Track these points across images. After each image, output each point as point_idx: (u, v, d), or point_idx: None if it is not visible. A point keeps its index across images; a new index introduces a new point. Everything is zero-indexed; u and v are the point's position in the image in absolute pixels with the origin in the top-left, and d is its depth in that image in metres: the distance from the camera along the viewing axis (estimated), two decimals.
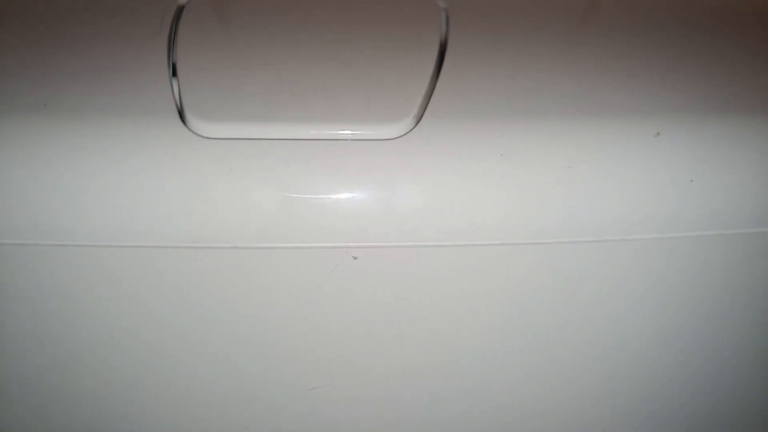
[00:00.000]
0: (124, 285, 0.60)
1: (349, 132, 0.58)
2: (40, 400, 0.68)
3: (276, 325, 0.63)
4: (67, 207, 0.56)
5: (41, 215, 0.56)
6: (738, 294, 0.64)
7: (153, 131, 0.57)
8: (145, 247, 0.58)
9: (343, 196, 0.57)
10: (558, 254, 0.60)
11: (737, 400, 0.73)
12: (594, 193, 0.58)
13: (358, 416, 0.70)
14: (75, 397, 0.68)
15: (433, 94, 0.61)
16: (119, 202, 0.56)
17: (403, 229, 0.58)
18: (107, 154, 0.57)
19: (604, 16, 0.70)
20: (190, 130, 0.57)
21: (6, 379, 0.66)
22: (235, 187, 0.57)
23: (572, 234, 0.59)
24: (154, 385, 0.67)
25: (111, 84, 0.60)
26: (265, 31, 0.66)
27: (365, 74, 0.62)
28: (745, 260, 0.62)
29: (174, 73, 0.61)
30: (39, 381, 0.67)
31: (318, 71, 0.62)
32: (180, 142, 0.57)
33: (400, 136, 0.58)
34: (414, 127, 0.58)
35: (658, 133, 0.59)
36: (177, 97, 0.59)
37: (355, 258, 0.59)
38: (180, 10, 0.68)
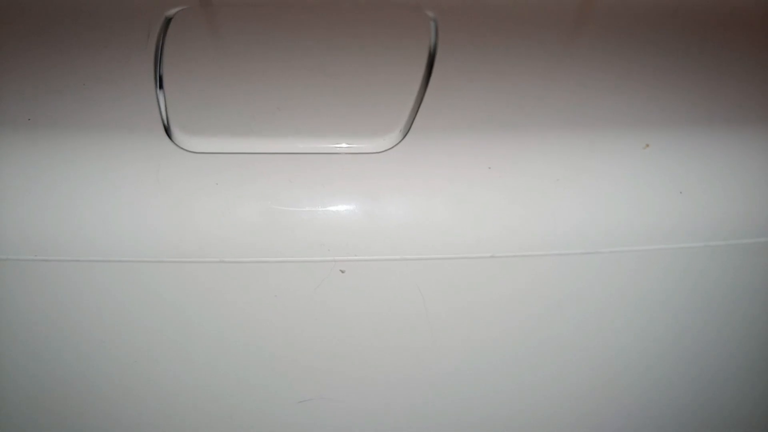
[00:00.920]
0: (109, 300, 0.60)
1: (336, 146, 0.58)
2: (27, 413, 0.68)
3: (263, 339, 0.63)
4: (51, 222, 0.56)
5: (24, 230, 0.56)
6: (728, 304, 0.64)
7: (138, 145, 0.57)
8: (131, 262, 0.58)
9: (330, 209, 0.57)
10: (547, 267, 0.60)
11: (726, 410, 0.73)
12: (583, 205, 0.58)
13: (348, 428, 0.69)
14: (59, 408, 0.67)
15: (421, 107, 0.60)
16: (104, 217, 0.56)
17: (391, 242, 0.58)
18: (92, 168, 0.56)
19: (593, 28, 0.70)
20: (175, 144, 0.57)
21: None
22: (221, 201, 0.56)
23: (561, 247, 0.59)
24: (140, 399, 0.67)
25: (96, 97, 0.60)
26: (253, 43, 0.65)
27: (352, 87, 0.61)
28: (735, 271, 0.62)
29: (160, 86, 0.61)
30: (24, 392, 0.66)
31: (305, 84, 0.61)
32: (165, 156, 0.57)
33: (387, 150, 0.58)
34: (401, 140, 0.58)
35: (648, 145, 0.59)
36: (163, 110, 0.59)
37: (342, 272, 0.59)
38: (167, 21, 0.67)
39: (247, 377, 0.65)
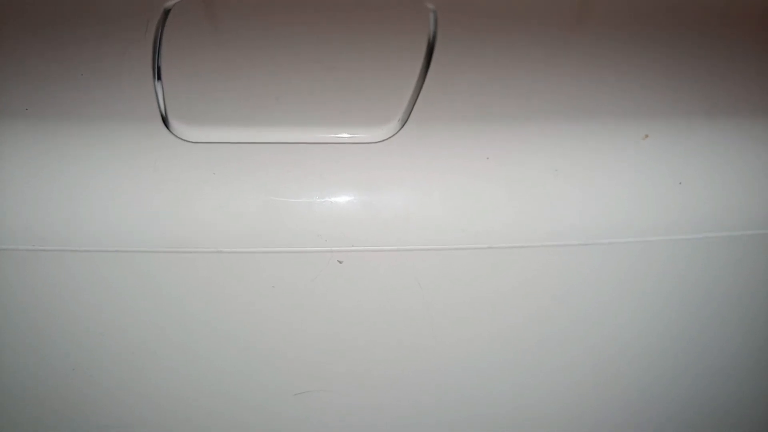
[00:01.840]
0: (106, 290, 0.60)
1: (334, 135, 0.57)
2: (25, 403, 0.68)
3: (261, 329, 0.63)
4: (48, 212, 0.56)
5: (21, 220, 0.56)
6: (728, 296, 0.64)
7: (136, 135, 0.57)
8: (128, 252, 0.58)
9: (328, 200, 0.57)
10: (545, 258, 0.60)
11: (727, 402, 0.73)
12: (582, 196, 0.58)
13: (345, 421, 0.69)
14: (56, 398, 0.67)
15: (419, 97, 0.60)
16: (101, 207, 0.56)
17: (389, 232, 0.58)
18: (89, 159, 0.56)
19: (593, 19, 0.70)
20: (173, 134, 0.57)
21: None
22: (218, 191, 0.56)
23: (559, 238, 0.59)
24: (136, 389, 0.67)
25: (94, 88, 0.60)
26: (251, 34, 0.65)
27: (351, 77, 0.61)
28: (735, 263, 0.62)
29: (159, 77, 0.61)
30: (22, 384, 0.66)
31: (303, 74, 0.61)
32: (163, 146, 0.57)
33: (385, 140, 0.58)
34: (399, 130, 0.58)
35: (647, 136, 0.58)
36: (161, 101, 0.59)
37: (340, 262, 0.59)
38: (166, 13, 0.67)
39: (244, 369, 0.65)
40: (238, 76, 0.61)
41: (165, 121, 0.58)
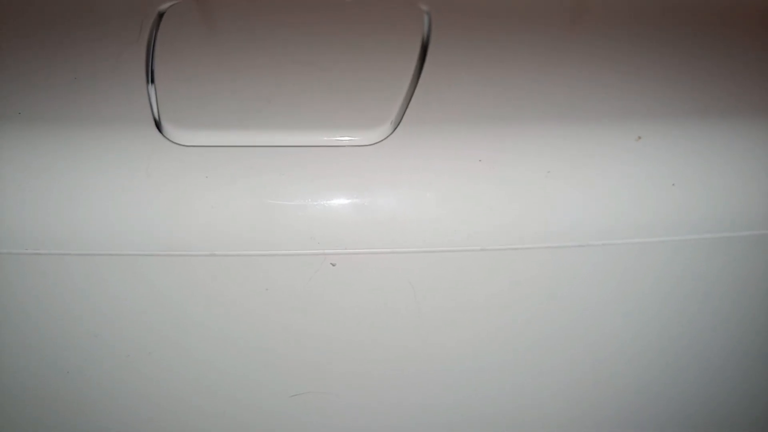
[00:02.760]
0: (99, 293, 0.60)
1: (326, 138, 0.57)
2: (24, 405, 0.68)
3: (255, 332, 0.63)
4: (40, 216, 0.56)
5: (14, 224, 0.56)
6: (721, 296, 0.64)
7: (129, 139, 0.57)
8: (120, 255, 0.58)
9: (321, 202, 0.57)
10: (538, 260, 0.60)
11: (724, 403, 0.73)
12: (575, 198, 0.58)
13: (340, 422, 0.69)
14: (57, 403, 0.68)
15: (412, 100, 0.60)
16: (94, 211, 0.56)
17: (381, 235, 0.58)
18: (82, 163, 0.56)
19: (586, 21, 0.70)
20: (165, 137, 0.57)
21: None
22: (212, 194, 0.56)
23: (552, 239, 0.59)
24: (132, 391, 0.67)
25: (87, 91, 0.60)
26: (244, 37, 0.66)
27: (344, 79, 0.61)
28: (728, 263, 0.62)
29: (152, 80, 0.61)
30: (21, 387, 0.67)
31: (296, 76, 0.61)
32: (156, 149, 0.57)
33: (378, 142, 0.58)
34: (392, 133, 0.58)
35: (640, 137, 0.58)
36: (154, 104, 0.59)
37: (333, 265, 0.59)
38: (160, 16, 0.67)
39: (239, 371, 0.65)
40: (231, 79, 0.61)
41: (158, 124, 0.58)
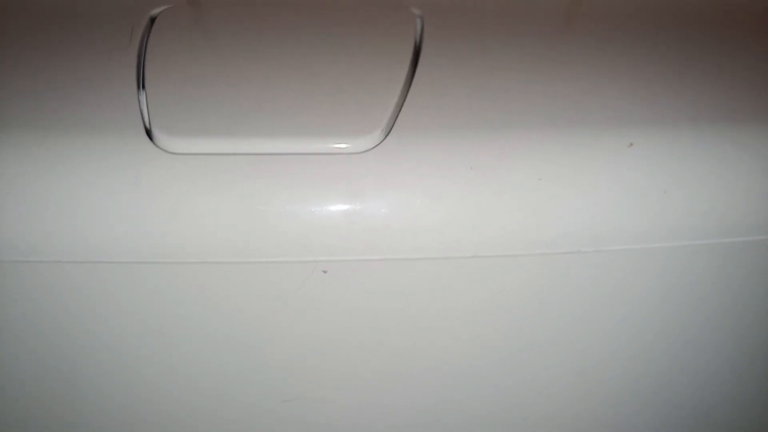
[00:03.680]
0: (89, 301, 0.60)
1: (318, 145, 0.57)
2: (22, 413, 0.68)
3: (245, 339, 0.63)
4: (30, 223, 0.56)
5: (4, 232, 0.56)
6: (714, 304, 0.64)
7: (119, 147, 0.57)
8: (111, 263, 0.58)
9: (311, 210, 0.57)
10: (530, 267, 0.60)
11: (719, 408, 0.73)
12: (566, 204, 0.58)
13: (332, 428, 0.69)
14: (52, 409, 0.68)
15: (404, 106, 0.60)
16: (84, 219, 0.56)
17: (373, 242, 0.58)
18: (71, 171, 0.56)
19: (579, 27, 0.69)
20: (156, 145, 0.57)
21: None
22: (203, 202, 0.56)
23: (544, 246, 0.59)
24: (125, 398, 0.67)
25: (77, 97, 0.60)
26: (235, 43, 0.65)
27: (335, 86, 0.61)
28: (720, 270, 0.62)
29: (143, 87, 0.61)
30: (18, 393, 0.67)
31: (287, 82, 0.61)
32: (146, 158, 0.57)
33: (370, 149, 0.58)
34: (383, 140, 0.58)
35: (631, 144, 0.58)
36: (145, 112, 0.59)
37: (325, 272, 0.59)
38: (151, 21, 0.67)
39: (230, 377, 0.65)
40: (222, 85, 0.61)
41: (148, 132, 0.58)
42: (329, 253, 0.58)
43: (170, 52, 0.64)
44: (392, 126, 0.59)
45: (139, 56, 0.63)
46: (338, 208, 0.57)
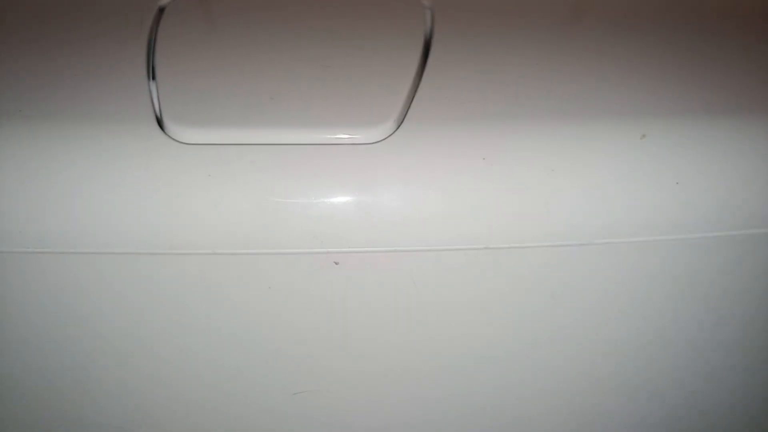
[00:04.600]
0: (101, 292, 0.60)
1: (329, 136, 0.57)
2: (26, 405, 0.68)
3: (257, 330, 0.63)
4: (41, 214, 0.56)
5: (16, 222, 0.56)
6: (725, 296, 0.64)
7: (131, 137, 0.57)
8: (123, 254, 0.57)
9: (324, 201, 0.57)
10: (542, 258, 0.60)
11: (725, 403, 0.73)
12: (578, 196, 0.58)
13: (343, 421, 0.69)
14: (57, 401, 0.68)
15: (415, 97, 0.60)
16: (96, 209, 0.56)
17: (385, 233, 0.58)
18: (84, 161, 0.56)
19: (590, 18, 0.69)
20: (167, 135, 0.57)
21: None
22: (214, 192, 0.56)
23: (556, 238, 0.59)
24: (134, 390, 0.67)
25: (88, 88, 0.59)
26: (245, 33, 0.65)
27: (346, 77, 0.61)
28: (732, 262, 0.62)
29: (153, 77, 0.61)
30: (22, 386, 0.67)
31: (298, 74, 0.61)
32: (158, 148, 0.56)
33: (381, 140, 0.57)
34: (395, 131, 0.58)
35: (644, 136, 0.58)
36: (156, 101, 0.59)
37: (336, 263, 0.59)
38: (161, 11, 0.67)
39: (241, 369, 0.65)
40: (233, 75, 0.61)
41: (160, 122, 0.57)
42: (341, 244, 0.58)
43: (180, 42, 0.64)
44: (404, 117, 0.58)
45: (149, 46, 0.63)
46: (350, 199, 0.57)
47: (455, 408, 0.69)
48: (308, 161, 0.57)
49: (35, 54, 0.63)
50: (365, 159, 0.57)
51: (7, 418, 0.69)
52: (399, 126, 0.58)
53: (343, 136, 0.57)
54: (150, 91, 0.59)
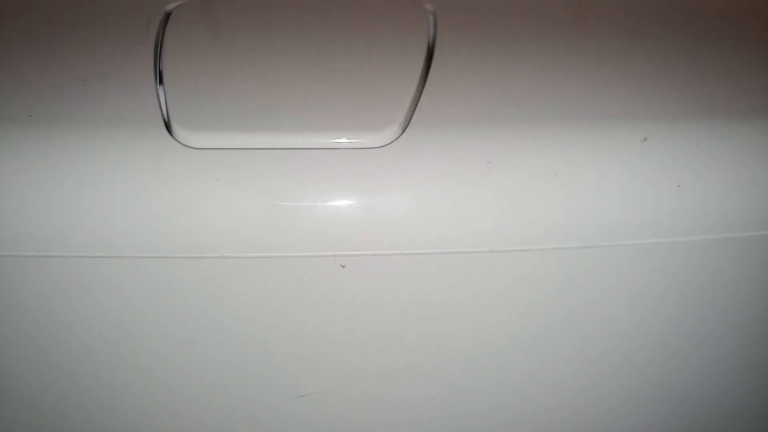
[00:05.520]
0: (110, 296, 0.60)
1: (335, 141, 0.58)
2: (30, 408, 0.69)
3: (264, 333, 0.63)
4: (50, 218, 0.56)
5: (25, 226, 0.57)
6: (727, 298, 0.64)
7: (139, 141, 0.57)
8: (131, 258, 0.58)
9: (330, 204, 0.57)
10: (546, 261, 0.60)
11: (728, 403, 0.73)
12: (582, 199, 0.58)
13: (348, 423, 0.70)
14: (63, 404, 0.68)
15: (420, 101, 0.60)
16: (104, 213, 0.56)
17: (391, 237, 0.58)
18: (92, 165, 0.56)
19: (592, 21, 0.70)
20: (176, 140, 0.57)
21: None
22: (221, 196, 0.57)
23: (560, 240, 0.59)
24: (141, 393, 0.67)
25: (96, 93, 0.60)
26: (252, 38, 0.66)
27: (351, 81, 0.61)
28: (733, 264, 0.62)
29: (161, 82, 0.61)
30: (28, 388, 0.67)
31: (304, 79, 0.61)
32: (166, 152, 0.57)
33: (387, 145, 0.58)
34: (400, 135, 0.58)
35: (645, 139, 0.59)
36: (163, 106, 0.59)
37: (342, 266, 0.59)
38: (167, 16, 0.67)
39: (248, 372, 0.66)
40: (240, 81, 0.61)
41: (168, 126, 0.58)
42: (347, 247, 0.58)
43: (186, 46, 0.64)
44: (409, 121, 0.59)
45: (155, 51, 0.64)
46: (356, 202, 0.57)
47: (461, 410, 0.69)
48: (315, 165, 0.57)
49: (44, 58, 0.63)
50: (371, 163, 0.58)
51: (13, 421, 0.70)
52: (404, 130, 0.59)
53: (349, 141, 0.58)
54: (158, 96, 0.60)
